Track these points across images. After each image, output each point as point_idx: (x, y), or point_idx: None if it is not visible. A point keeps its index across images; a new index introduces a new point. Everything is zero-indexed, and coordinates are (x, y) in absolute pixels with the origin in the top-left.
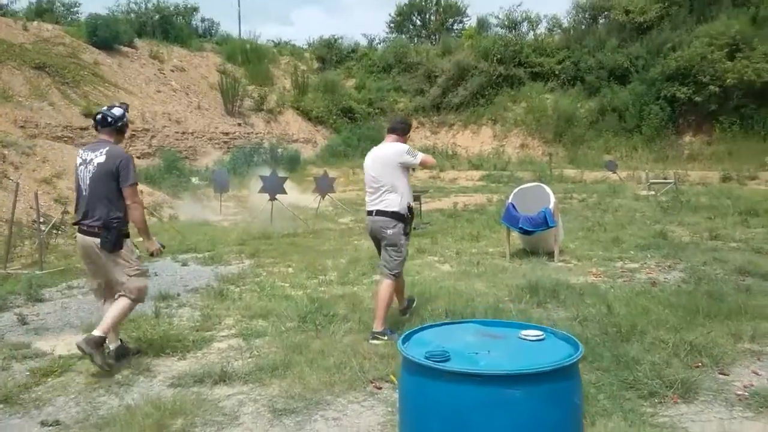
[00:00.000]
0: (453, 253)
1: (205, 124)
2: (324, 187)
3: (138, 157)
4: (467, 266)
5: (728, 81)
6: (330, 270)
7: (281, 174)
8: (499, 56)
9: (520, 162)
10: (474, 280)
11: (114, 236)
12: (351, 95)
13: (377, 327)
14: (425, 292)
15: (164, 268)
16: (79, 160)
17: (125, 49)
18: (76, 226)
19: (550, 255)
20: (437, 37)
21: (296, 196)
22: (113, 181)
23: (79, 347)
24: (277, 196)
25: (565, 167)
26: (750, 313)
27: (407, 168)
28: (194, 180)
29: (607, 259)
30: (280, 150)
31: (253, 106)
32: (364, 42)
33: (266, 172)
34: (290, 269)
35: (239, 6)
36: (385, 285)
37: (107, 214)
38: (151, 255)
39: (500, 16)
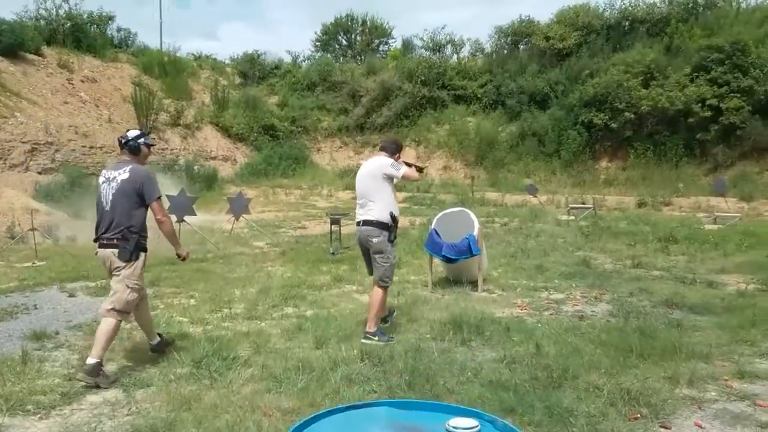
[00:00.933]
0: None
1: (116, 138)
2: (238, 207)
3: (39, 173)
4: (388, 297)
5: (643, 108)
6: (237, 301)
7: (190, 194)
8: (423, 78)
9: (443, 184)
10: (394, 314)
11: (132, 246)
12: (273, 112)
13: (369, 328)
14: (341, 329)
15: (46, 300)
16: (102, 179)
17: (31, 57)
18: (96, 242)
19: (474, 284)
20: (363, 57)
21: (209, 217)
22: (136, 196)
23: (81, 380)
24: (186, 217)
25: (486, 190)
26: (684, 352)
27: (391, 180)
28: None
29: (531, 289)
30: (196, 167)
31: (169, 121)
32: (288, 59)
33: (176, 191)
34: (192, 300)
35: (161, 17)
36: (377, 293)
37: (127, 227)
38: (183, 259)
39: (425, 38)
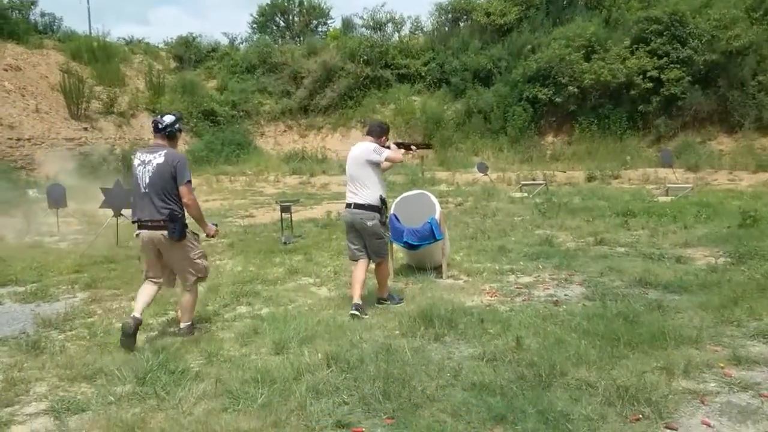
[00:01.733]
0: (330, 272)
1: (45, 129)
2: None
3: None
4: (348, 289)
5: (586, 82)
6: None
7: (128, 185)
8: (365, 57)
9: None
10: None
11: (180, 226)
12: (212, 97)
13: (382, 294)
14: (301, 328)
15: None
16: (137, 162)
17: None
18: (137, 224)
19: (438, 270)
20: (302, 38)
21: None
22: (171, 180)
23: (182, 337)
24: (124, 210)
25: (436, 170)
26: (672, 338)
27: (376, 164)
28: (31, 193)
29: (498, 273)
30: (133, 157)
31: (101, 109)
32: (225, 41)
33: (111, 183)
34: (133, 303)
35: (88, 2)
36: (383, 265)
37: (170, 208)
38: (211, 237)
39: (365, 17)
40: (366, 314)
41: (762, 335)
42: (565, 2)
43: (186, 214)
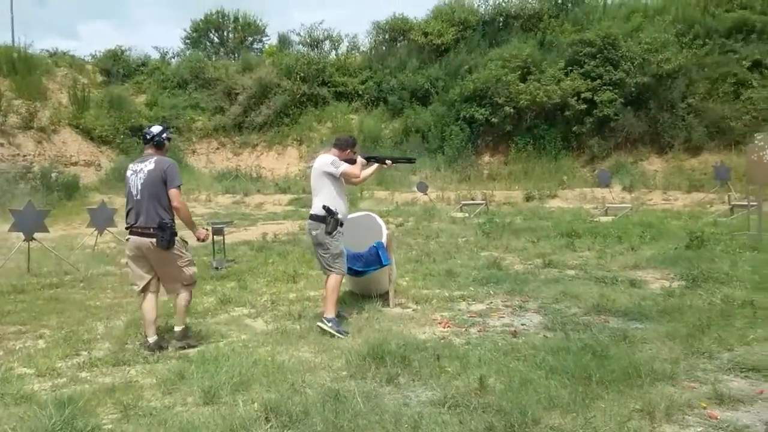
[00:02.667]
0: (267, 301)
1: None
2: (101, 219)
3: None
4: (286, 321)
5: (522, 102)
6: (100, 340)
7: (41, 206)
8: (302, 74)
9: None
10: (298, 344)
11: (168, 235)
12: (141, 112)
13: (327, 313)
14: (234, 371)
15: None
16: (129, 172)
17: None
18: (128, 230)
19: (384, 298)
20: (237, 54)
21: (71, 231)
22: (162, 185)
23: (176, 348)
24: (36, 234)
25: (374, 189)
26: (646, 374)
27: (332, 176)
28: None
29: (448, 300)
30: (54, 174)
31: (20, 124)
32: (156, 55)
33: (26, 203)
34: (41, 342)
35: (12, 12)
36: (332, 279)
37: (160, 216)
38: (202, 241)
39: (302, 34)
40: (337, 331)
41: (737, 368)
42: (500, 24)
43: (176, 221)
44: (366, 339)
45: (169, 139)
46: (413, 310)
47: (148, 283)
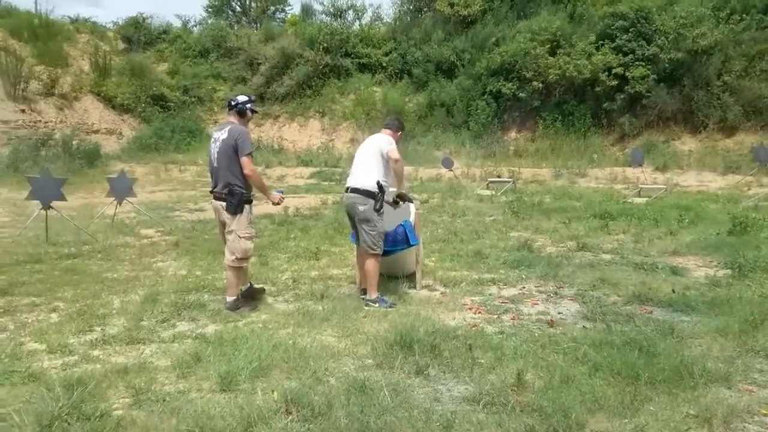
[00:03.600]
0: (288, 279)
1: None
2: (121, 189)
3: None
4: (309, 301)
5: (550, 77)
6: (115, 315)
7: (58, 174)
8: (325, 45)
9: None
10: (321, 327)
11: (237, 200)
12: (163, 81)
13: (370, 295)
14: (253, 355)
15: None
16: (212, 140)
17: None
18: (212, 194)
19: (411, 279)
20: (259, 24)
21: (91, 200)
22: (234, 153)
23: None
24: (54, 202)
25: None
26: (697, 373)
27: (383, 155)
28: None
29: (477, 283)
30: (75, 142)
31: (41, 90)
32: (177, 23)
33: (43, 170)
34: (54, 315)
35: None
36: (371, 261)
37: (231, 182)
38: (277, 204)
39: (325, 3)
40: (388, 307)
41: None
42: None
43: (248, 190)
44: (393, 324)
45: (253, 111)
46: (441, 293)
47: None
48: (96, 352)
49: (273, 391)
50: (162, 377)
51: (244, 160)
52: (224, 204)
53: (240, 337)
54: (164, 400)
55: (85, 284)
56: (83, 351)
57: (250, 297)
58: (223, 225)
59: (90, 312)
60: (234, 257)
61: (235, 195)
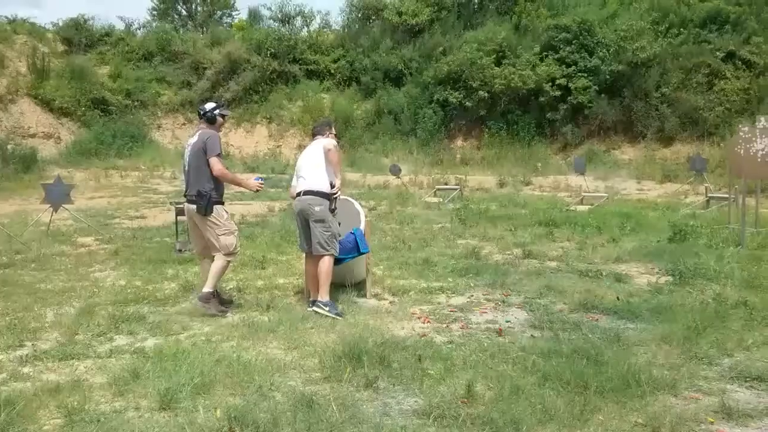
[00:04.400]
0: (232, 289)
1: None
2: (56, 196)
3: None
4: (254, 312)
5: (496, 87)
6: (48, 328)
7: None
8: (273, 51)
9: None
10: (267, 339)
11: (206, 202)
12: (105, 84)
13: (322, 297)
14: (195, 371)
15: None
16: (185, 145)
17: None
18: (185, 197)
19: (359, 287)
20: (205, 28)
21: (25, 207)
22: (203, 155)
23: (196, 306)
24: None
25: (345, 170)
26: (644, 381)
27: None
28: None
29: (426, 292)
30: (10, 146)
31: None
32: (121, 26)
33: None
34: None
35: None
36: (326, 261)
37: (200, 184)
38: (257, 191)
39: (273, 8)
40: (335, 314)
41: (741, 377)
42: (476, 6)
43: (218, 192)
44: (341, 335)
45: (222, 116)
46: (390, 303)
47: (201, 249)
48: (26, 369)
49: (216, 409)
50: (97, 395)
51: (213, 161)
52: (194, 207)
53: (181, 351)
54: (99, 421)
55: (17, 296)
56: (12, 368)
57: (221, 303)
58: (195, 227)
59: (21, 326)
60: (221, 253)
61: (203, 196)
